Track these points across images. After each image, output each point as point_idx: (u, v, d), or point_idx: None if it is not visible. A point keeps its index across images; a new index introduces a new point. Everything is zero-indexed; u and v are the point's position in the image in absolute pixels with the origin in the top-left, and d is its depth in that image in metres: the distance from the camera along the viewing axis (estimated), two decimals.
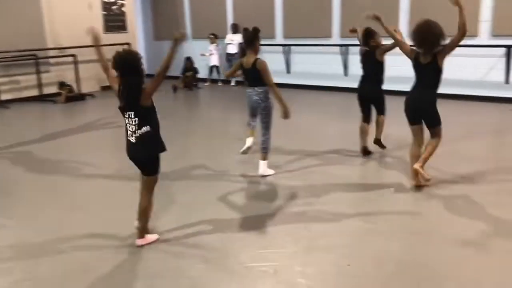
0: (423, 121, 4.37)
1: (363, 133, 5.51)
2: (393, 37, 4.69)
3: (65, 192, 4.69)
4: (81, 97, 10.51)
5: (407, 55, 4.47)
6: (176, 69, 11.72)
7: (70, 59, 10.59)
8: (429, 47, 4.21)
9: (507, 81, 8.52)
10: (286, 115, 4.68)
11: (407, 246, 3.30)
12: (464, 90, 8.76)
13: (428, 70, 4.27)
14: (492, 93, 8.66)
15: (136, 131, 3.25)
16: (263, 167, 4.90)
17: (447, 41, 4.20)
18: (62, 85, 10.46)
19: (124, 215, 3.76)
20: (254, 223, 3.76)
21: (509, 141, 6.22)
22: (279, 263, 3.14)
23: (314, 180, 4.68)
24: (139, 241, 3.44)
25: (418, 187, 4.32)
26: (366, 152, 5.47)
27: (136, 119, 3.24)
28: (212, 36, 12.08)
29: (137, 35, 14.39)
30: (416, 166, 4.26)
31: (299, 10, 10.86)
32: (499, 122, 7.43)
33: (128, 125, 3.28)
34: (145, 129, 3.24)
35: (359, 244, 3.34)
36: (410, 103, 4.39)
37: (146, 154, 3.31)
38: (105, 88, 11.77)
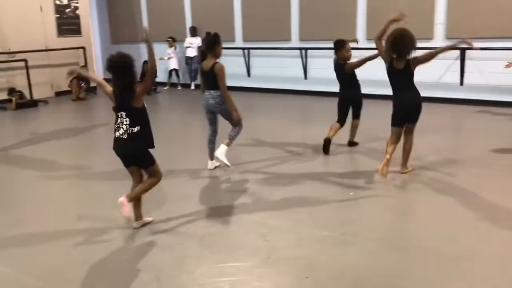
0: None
1: (332, 129, 5.69)
2: (377, 46, 4.95)
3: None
4: (33, 103, 10.05)
5: (383, 59, 4.80)
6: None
7: (21, 64, 10.12)
8: (404, 55, 4.54)
9: (461, 83, 8.71)
10: (237, 120, 4.88)
11: (367, 255, 3.24)
12: (421, 92, 8.87)
13: (402, 75, 4.62)
14: (448, 95, 8.84)
15: (129, 129, 3.48)
16: (222, 149, 4.95)
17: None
18: (11, 91, 9.99)
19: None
20: (210, 234, 3.62)
21: (464, 137, 6.34)
22: (236, 277, 3.02)
23: (275, 186, 4.58)
24: (124, 200, 3.49)
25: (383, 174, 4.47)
26: (327, 143, 5.60)
27: (128, 119, 3.48)
28: (170, 39, 11.85)
29: (93, 39, 13.98)
30: (403, 171, 4.78)
31: (258, 13, 10.79)
32: (456, 122, 7.58)
33: (120, 124, 3.50)
34: (136, 128, 3.48)
35: (318, 255, 3.25)
36: (411, 106, 4.69)
37: (136, 150, 3.54)
38: (59, 94, 11.37)
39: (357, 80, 5.88)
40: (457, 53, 8.56)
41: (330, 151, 5.62)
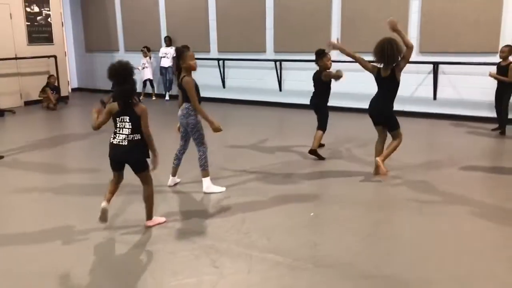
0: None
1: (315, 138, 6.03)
2: (356, 60, 5.21)
3: None
4: None
5: (370, 71, 5.15)
6: (107, 83, 11.20)
7: None
8: (390, 62, 4.89)
9: (435, 97, 8.67)
10: (215, 130, 4.64)
11: (316, 282, 3.07)
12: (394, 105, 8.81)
13: (387, 82, 4.99)
14: (421, 109, 8.78)
15: (129, 136, 3.61)
16: (205, 184, 4.77)
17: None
18: None
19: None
20: (154, 258, 3.41)
21: (435, 152, 6.24)
22: None
23: (235, 204, 4.39)
24: (149, 222, 3.89)
25: (377, 175, 5.11)
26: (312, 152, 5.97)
27: (130, 123, 3.61)
28: (144, 49, 11.65)
29: (66, 47, 13.72)
30: (378, 159, 5.00)
31: (233, 24, 10.67)
32: (428, 136, 7.50)
33: (120, 129, 3.64)
34: (138, 136, 3.63)
35: (265, 283, 3.07)
36: (373, 110, 5.14)
37: (136, 157, 3.69)
38: (29, 103, 11.07)
39: (327, 92, 6.05)
40: (430, 67, 8.52)
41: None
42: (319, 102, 6.08)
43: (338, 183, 5.09)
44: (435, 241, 3.62)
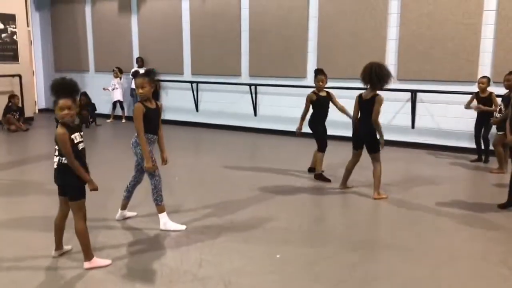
0: (364, 147, 5.34)
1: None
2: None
3: None
4: None
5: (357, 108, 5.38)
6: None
7: None
8: (375, 82, 5.04)
9: (413, 126, 8.41)
10: (147, 169, 4.14)
11: None
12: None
13: (369, 104, 5.13)
14: (399, 138, 8.50)
15: (58, 157, 3.40)
16: (162, 220, 4.28)
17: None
18: None
19: None
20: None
21: (409, 183, 5.90)
22: None
23: (194, 243, 3.92)
24: (86, 264, 3.45)
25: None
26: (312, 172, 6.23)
27: (56, 145, 3.38)
28: (116, 69, 11.21)
29: (35, 66, 13.20)
30: (374, 197, 5.25)
31: (208, 47, 10.33)
32: (403, 166, 7.19)
33: (55, 150, 3.42)
34: (64, 159, 3.36)
35: None
36: (359, 130, 5.32)
37: (62, 182, 3.44)
38: None
39: (317, 112, 6.09)
40: (408, 95, 8.29)
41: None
42: (309, 122, 6.09)
43: (310, 217, 4.68)
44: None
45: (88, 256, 3.45)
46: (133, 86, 11.11)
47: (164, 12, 10.85)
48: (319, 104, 6.03)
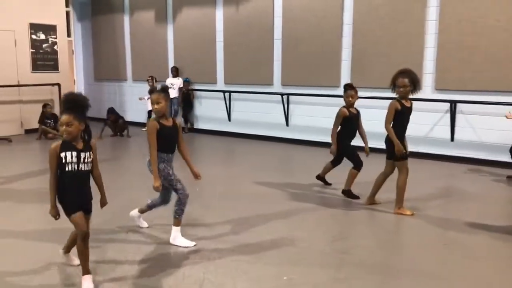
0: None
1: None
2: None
3: None
4: None
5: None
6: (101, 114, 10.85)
7: None
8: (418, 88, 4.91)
9: (452, 139, 7.91)
10: (154, 188, 3.98)
11: None
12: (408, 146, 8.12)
13: (410, 112, 4.99)
14: (437, 151, 8.03)
15: None
16: (173, 234, 4.15)
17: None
18: None
19: None
20: None
21: (448, 200, 5.47)
22: None
23: (200, 260, 3.75)
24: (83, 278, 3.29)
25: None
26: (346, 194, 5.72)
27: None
28: (150, 78, 11.28)
29: (76, 76, 13.57)
30: (395, 211, 5.01)
31: (241, 56, 10.22)
32: (442, 181, 6.73)
33: None
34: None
35: None
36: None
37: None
38: (29, 131, 10.77)
39: (345, 128, 5.75)
40: (446, 106, 7.81)
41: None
42: (338, 138, 5.75)
43: (327, 236, 4.40)
44: None
45: (85, 270, 3.31)
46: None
47: (198, 22, 10.85)
48: (350, 121, 5.71)
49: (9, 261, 3.79)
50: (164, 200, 4.34)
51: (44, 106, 10.39)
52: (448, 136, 7.92)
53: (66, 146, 3.20)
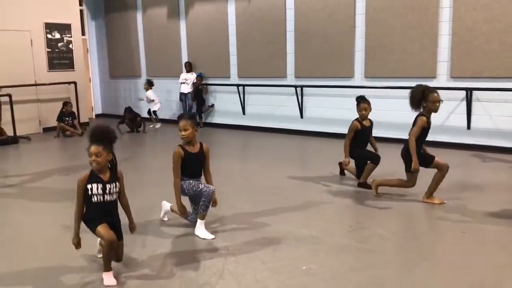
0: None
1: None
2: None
3: None
4: (12, 140, 9.59)
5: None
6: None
7: (5, 99, 9.69)
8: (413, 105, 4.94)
9: (469, 127, 7.85)
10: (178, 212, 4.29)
11: None
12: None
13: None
14: (453, 139, 7.97)
15: None
16: (198, 226, 4.26)
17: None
18: None
19: None
20: None
21: (464, 190, 5.45)
22: None
23: (220, 252, 3.81)
24: (104, 275, 3.35)
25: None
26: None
27: None
28: (145, 82, 11.18)
29: (91, 73, 13.73)
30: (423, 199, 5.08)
31: (254, 49, 10.24)
32: (459, 170, 6.69)
33: None
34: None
35: None
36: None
37: None
38: (47, 130, 10.95)
39: (354, 142, 5.78)
40: (462, 93, 7.74)
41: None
42: (350, 149, 5.80)
43: (345, 227, 4.42)
44: None
45: (106, 267, 3.38)
46: (181, 90, 11.24)
47: (210, 16, 10.89)
48: (362, 133, 5.76)
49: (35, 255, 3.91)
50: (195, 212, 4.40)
51: (65, 104, 10.53)
52: (465, 124, 7.86)
53: (93, 177, 3.34)
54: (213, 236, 4.19)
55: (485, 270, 3.46)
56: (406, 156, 4.96)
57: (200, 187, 4.19)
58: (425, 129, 4.89)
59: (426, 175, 5.11)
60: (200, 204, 4.20)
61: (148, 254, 3.84)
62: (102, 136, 3.37)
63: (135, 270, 3.54)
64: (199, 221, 4.25)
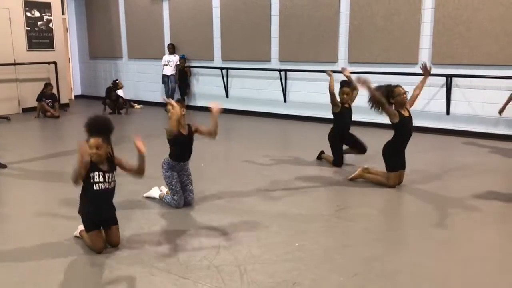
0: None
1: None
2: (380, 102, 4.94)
3: None
4: None
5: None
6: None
7: None
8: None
9: (448, 112, 8.09)
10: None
11: None
12: None
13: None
14: (433, 124, 8.21)
15: None
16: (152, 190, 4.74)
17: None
18: None
19: None
20: None
21: (444, 173, 5.66)
22: None
23: (214, 229, 3.91)
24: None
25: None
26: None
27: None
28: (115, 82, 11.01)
29: (71, 54, 13.49)
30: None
31: (238, 33, 10.24)
32: (437, 154, 6.93)
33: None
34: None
35: None
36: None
37: None
38: (27, 110, 10.77)
39: (334, 123, 6.06)
40: (443, 80, 7.96)
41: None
42: (329, 134, 6.04)
43: (333, 206, 4.57)
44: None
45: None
46: (164, 72, 11.20)
47: None
48: (341, 115, 5.91)
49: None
50: (185, 197, 4.55)
51: (46, 86, 10.35)
52: (444, 109, 8.09)
53: (93, 166, 3.40)
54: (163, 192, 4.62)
55: (472, 245, 3.66)
56: (385, 155, 5.10)
57: (182, 191, 4.44)
58: (404, 121, 4.95)
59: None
60: (166, 195, 4.52)
61: (141, 233, 3.90)
62: (101, 127, 3.42)
63: (130, 248, 3.61)
64: (155, 189, 4.68)
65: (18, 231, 4.01)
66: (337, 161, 5.95)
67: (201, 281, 3.07)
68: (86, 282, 3.15)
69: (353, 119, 6.08)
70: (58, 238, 3.76)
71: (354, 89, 5.91)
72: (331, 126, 6.10)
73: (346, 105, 5.95)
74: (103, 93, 11.48)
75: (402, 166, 5.13)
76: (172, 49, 11.19)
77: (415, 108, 8.19)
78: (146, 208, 4.49)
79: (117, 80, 11.09)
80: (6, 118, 9.77)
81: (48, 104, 10.27)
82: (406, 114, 5.00)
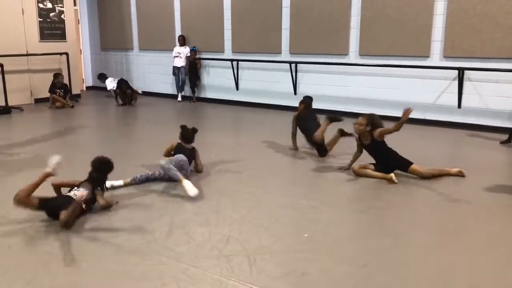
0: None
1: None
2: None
3: None
4: (5, 110, 9.53)
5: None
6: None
7: None
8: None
9: (459, 106, 8.03)
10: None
11: None
12: (415, 113, 8.23)
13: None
14: (444, 118, 8.16)
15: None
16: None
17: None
18: None
19: None
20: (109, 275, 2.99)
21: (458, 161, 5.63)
22: None
23: (224, 219, 3.94)
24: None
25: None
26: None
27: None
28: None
29: (82, 45, 13.57)
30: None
31: (249, 24, 10.23)
32: (448, 148, 6.89)
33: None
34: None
35: None
36: None
37: None
38: (39, 101, 10.87)
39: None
40: (454, 73, 7.90)
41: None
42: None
43: (343, 197, 4.59)
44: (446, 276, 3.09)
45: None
46: (175, 64, 11.22)
47: None
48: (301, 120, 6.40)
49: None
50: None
51: (56, 76, 10.44)
52: (456, 103, 8.04)
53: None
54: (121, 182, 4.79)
55: (480, 238, 3.66)
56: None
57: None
58: (365, 146, 5.30)
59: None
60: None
61: (152, 221, 3.95)
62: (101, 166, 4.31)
63: (138, 236, 3.65)
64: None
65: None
66: (322, 153, 6.03)
67: (210, 270, 3.11)
68: (98, 271, 3.20)
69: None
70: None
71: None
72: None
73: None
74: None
75: (386, 170, 5.18)
76: (183, 41, 11.21)
77: (426, 100, 8.24)
78: (155, 197, 4.54)
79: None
80: (19, 109, 9.88)
81: (60, 94, 10.35)
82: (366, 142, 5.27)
